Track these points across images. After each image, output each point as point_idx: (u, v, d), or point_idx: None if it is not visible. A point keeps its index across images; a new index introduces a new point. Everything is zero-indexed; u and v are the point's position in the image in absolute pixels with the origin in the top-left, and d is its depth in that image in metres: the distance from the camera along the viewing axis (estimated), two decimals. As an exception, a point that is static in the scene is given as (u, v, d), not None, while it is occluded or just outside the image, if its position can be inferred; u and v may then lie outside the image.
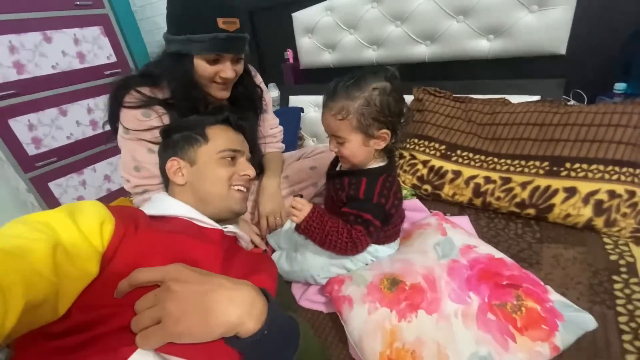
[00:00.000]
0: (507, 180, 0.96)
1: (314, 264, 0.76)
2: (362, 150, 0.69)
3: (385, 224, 0.72)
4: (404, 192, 1.08)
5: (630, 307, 0.66)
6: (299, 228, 0.72)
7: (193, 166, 0.70)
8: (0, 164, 1.81)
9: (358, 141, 0.67)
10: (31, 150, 1.84)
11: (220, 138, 0.73)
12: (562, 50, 1.14)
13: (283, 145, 1.15)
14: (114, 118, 0.85)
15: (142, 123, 0.82)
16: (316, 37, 1.62)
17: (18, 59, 1.74)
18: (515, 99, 1.11)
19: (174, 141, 0.74)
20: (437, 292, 0.63)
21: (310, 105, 1.64)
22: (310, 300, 0.77)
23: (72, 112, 1.98)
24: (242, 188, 0.72)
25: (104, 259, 0.45)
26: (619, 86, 1.08)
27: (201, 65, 0.79)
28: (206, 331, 0.38)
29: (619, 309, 0.66)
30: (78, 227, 0.43)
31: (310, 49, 1.67)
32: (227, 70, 0.80)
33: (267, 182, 0.99)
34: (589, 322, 0.60)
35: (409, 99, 1.26)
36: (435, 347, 0.56)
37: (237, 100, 0.94)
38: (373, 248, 0.76)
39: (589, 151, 0.88)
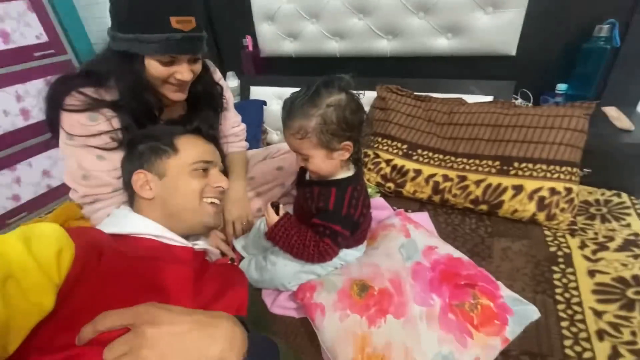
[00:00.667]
0: (463, 178, 1.02)
1: (285, 272, 0.77)
2: (327, 164, 0.69)
3: (354, 232, 0.74)
4: (369, 190, 1.11)
5: (567, 295, 0.75)
6: (266, 235, 0.74)
7: (162, 179, 0.66)
8: None
9: (321, 156, 0.67)
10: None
11: (191, 149, 0.69)
12: (513, 51, 1.21)
13: (246, 144, 1.11)
14: (53, 122, 0.76)
15: (88, 128, 0.74)
16: (277, 25, 1.56)
17: None
18: (470, 98, 1.17)
19: (140, 152, 0.68)
20: (403, 296, 0.67)
21: (273, 97, 1.60)
22: (282, 306, 0.78)
23: (-2, 100, 1.74)
24: (215, 201, 0.69)
25: (61, 292, 0.41)
26: (561, 87, 1.18)
27: (153, 67, 0.72)
28: None
29: (558, 297, 0.75)
30: (33, 256, 0.39)
31: (271, 37, 1.60)
32: (184, 71, 0.74)
33: (232, 186, 0.96)
34: (533, 313, 0.67)
35: (372, 95, 1.27)
36: (403, 350, 0.59)
37: (196, 100, 0.88)
38: (342, 252, 0.78)
39: (534, 152, 0.97)
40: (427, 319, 0.63)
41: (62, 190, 2.11)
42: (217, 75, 0.98)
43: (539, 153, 0.96)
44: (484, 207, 0.99)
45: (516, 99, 1.27)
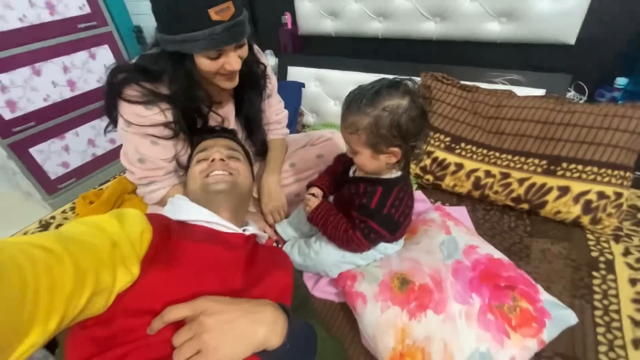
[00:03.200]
0: (506, 176, 1.00)
1: (327, 261, 0.81)
2: (373, 163, 0.70)
3: (394, 232, 0.76)
4: (407, 181, 1.11)
5: (605, 302, 0.76)
6: (308, 218, 0.82)
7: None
8: (-27, 128, 1.69)
9: (367, 154, 0.69)
10: (6, 115, 1.71)
11: (199, 144, 0.81)
12: (572, 40, 1.13)
13: (287, 131, 1.13)
14: (111, 109, 0.81)
15: (144, 119, 0.79)
16: (318, 2, 1.51)
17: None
18: (520, 91, 1.12)
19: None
20: (443, 293, 0.69)
21: (310, 79, 1.58)
22: (323, 290, 0.83)
23: (47, 71, 1.82)
24: (218, 172, 0.72)
25: (142, 264, 0.49)
26: (621, 81, 1.11)
27: (203, 63, 0.73)
28: (241, 352, 0.45)
29: (596, 303, 0.76)
30: (126, 233, 0.47)
31: (311, 14, 1.56)
32: (232, 61, 0.74)
33: (267, 180, 1.00)
34: (571, 318, 0.69)
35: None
36: (442, 344, 0.63)
37: (241, 81, 0.88)
38: (382, 245, 0.81)
39: (586, 153, 0.93)
40: (465, 317, 0.66)
41: (106, 159, 2.24)
42: (263, 58, 0.98)
43: (590, 154, 0.93)
44: (524, 205, 0.98)
45: (569, 91, 1.21)
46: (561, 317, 0.69)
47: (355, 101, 0.65)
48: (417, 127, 0.65)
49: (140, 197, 0.93)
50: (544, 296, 0.71)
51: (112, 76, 0.78)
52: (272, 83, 1.03)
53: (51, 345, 0.64)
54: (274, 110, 1.06)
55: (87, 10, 1.94)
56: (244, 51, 0.78)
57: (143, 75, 0.77)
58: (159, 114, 0.80)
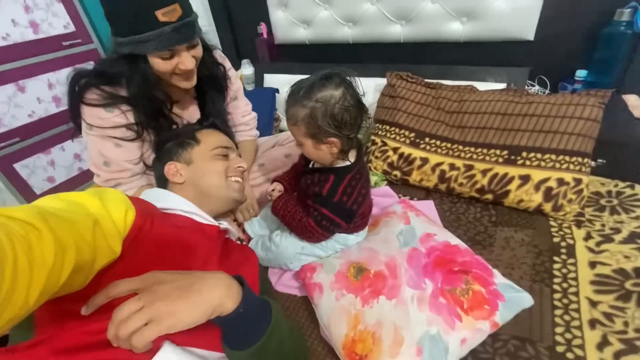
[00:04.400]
0: (469, 167, 1.02)
1: (286, 253, 0.82)
2: (316, 153, 0.73)
3: (349, 220, 0.77)
4: (375, 178, 1.13)
5: (565, 285, 0.76)
6: (272, 209, 0.85)
7: (190, 165, 0.76)
8: (-42, 145, 1.71)
9: (310, 144, 0.71)
10: (-10, 131, 1.74)
11: (210, 138, 0.81)
12: (530, 36, 1.17)
13: (257, 133, 1.15)
14: (75, 114, 0.83)
15: (105, 120, 0.81)
16: (290, 11, 1.56)
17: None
18: (482, 86, 1.15)
19: (168, 149, 0.79)
20: (397, 279, 0.70)
21: (285, 84, 1.62)
22: (285, 285, 0.83)
23: (31, 88, 1.85)
24: (238, 179, 0.80)
25: (124, 243, 0.49)
26: (580, 73, 1.14)
27: (157, 63, 0.76)
28: (197, 316, 0.43)
29: (555, 287, 0.76)
30: (107, 211, 0.47)
31: (285, 24, 1.61)
32: (185, 61, 0.77)
33: None
34: (526, 300, 0.69)
35: (384, 82, 1.27)
36: (392, 328, 0.63)
37: (201, 82, 0.91)
38: (342, 237, 0.82)
39: (544, 141, 0.95)
40: (417, 301, 0.66)
41: (92, 173, 2.26)
42: (227, 65, 1.01)
43: (548, 142, 0.94)
44: (489, 196, 0.99)
45: (533, 85, 1.24)
46: (516, 299, 0.69)
47: (293, 94, 0.68)
48: (351, 117, 0.67)
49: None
50: (499, 279, 0.71)
51: (73, 83, 0.81)
52: (237, 86, 1.05)
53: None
54: (241, 112, 1.08)
55: (71, 28, 2.00)
56: (198, 51, 0.81)
57: (102, 79, 0.80)
58: (119, 116, 0.82)
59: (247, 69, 1.69)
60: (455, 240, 0.79)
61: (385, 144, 1.15)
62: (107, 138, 0.83)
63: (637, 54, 1.04)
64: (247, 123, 1.10)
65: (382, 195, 1.06)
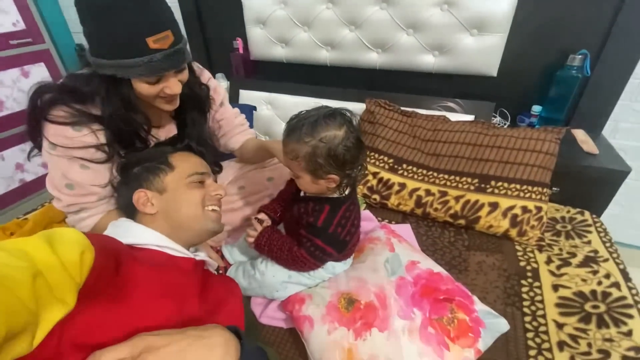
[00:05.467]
0: (444, 194, 1.08)
1: (272, 281, 0.80)
2: (313, 187, 0.72)
3: (341, 250, 0.78)
4: (356, 201, 1.15)
5: (533, 308, 0.82)
6: (251, 245, 0.81)
7: (162, 194, 0.69)
8: None
9: (308, 179, 0.71)
10: None
11: (185, 163, 0.74)
12: (494, 72, 1.28)
13: (254, 131, 1.11)
14: (34, 132, 0.75)
15: (71, 140, 0.73)
16: (268, 30, 1.56)
17: None
18: (453, 116, 1.23)
19: (136, 174, 0.71)
20: (387, 310, 0.71)
21: (262, 102, 1.60)
22: (271, 317, 0.81)
23: (-31, 89, 1.65)
24: (216, 208, 0.74)
25: (81, 292, 0.43)
26: (536, 108, 1.26)
27: (142, 87, 0.71)
28: None
29: (525, 309, 0.82)
30: (57, 257, 0.41)
31: (262, 41, 1.60)
32: (172, 86, 0.73)
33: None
34: (503, 325, 0.74)
35: (361, 107, 1.31)
36: (386, 362, 0.64)
37: (182, 102, 0.86)
38: (330, 265, 0.82)
39: (510, 171, 1.04)
40: (408, 332, 0.68)
41: (37, 184, 2.04)
42: (205, 75, 0.98)
43: (513, 173, 1.03)
44: (462, 221, 1.05)
45: (495, 117, 1.35)
46: (495, 325, 0.73)
47: (294, 130, 0.67)
48: (352, 156, 0.68)
49: (71, 227, 0.85)
50: (479, 306, 0.76)
51: (36, 97, 0.73)
52: (221, 94, 1.02)
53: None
54: (233, 114, 1.05)
55: (21, 26, 1.82)
56: (184, 75, 0.78)
57: (71, 95, 0.73)
58: (89, 135, 0.75)
59: (222, 83, 1.65)
60: (437, 268, 0.83)
61: (365, 168, 1.17)
62: (73, 159, 0.75)
63: (584, 95, 1.19)
64: (242, 123, 1.07)
65: (363, 219, 1.08)
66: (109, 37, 0.64)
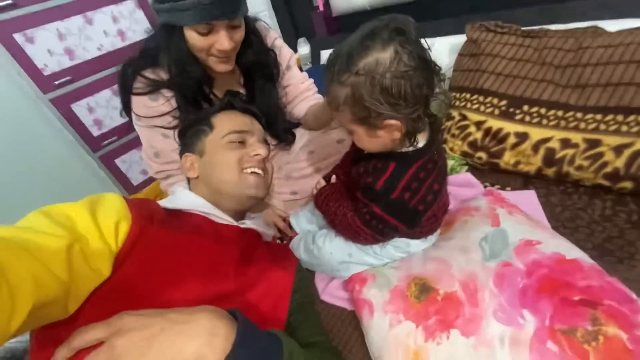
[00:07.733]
0: (594, 144, 0.72)
1: (330, 259, 0.68)
2: (374, 142, 0.54)
3: (411, 223, 0.59)
4: (452, 162, 0.90)
5: None
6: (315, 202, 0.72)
7: (202, 157, 0.67)
8: (73, 145, 2.02)
9: (362, 132, 0.53)
10: (95, 132, 2.01)
11: (225, 123, 0.68)
12: None
13: (320, 96, 1.02)
14: (127, 107, 0.83)
15: (150, 109, 0.79)
16: (348, -24, 1.37)
17: (67, 45, 1.83)
18: (613, 25, 0.80)
19: (187, 138, 0.71)
20: (478, 307, 0.50)
21: (344, 59, 1.45)
22: (332, 295, 0.70)
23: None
24: (256, 170, 0.65)
25: (117, 259, 0.45)
26: None
27: (192, 37, 0.69)
28: None
29: None
30: (97, 224, 0.43)
31: (343, -9, 1.42)
32: (222, 40, 0.69)
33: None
34: None
35: (460, 41, 1.00)
36: (470, 381, 0.45)
37: (249, 69, 0.85)
38: (403, 242, 0.64)
39: None
40: (510, 343, 0.46)
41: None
42: (271, 36, 0.91)
43: None
44: (627, 184, 0.68)
45: None
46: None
47: (328, 69, 0.50)
48: (413, 85, 0.46)
49: (164, 191, 0.94)
50: (653, 319, 0.45)
51: (123, 73, 0.80)
52: (287, 55, 0.94)
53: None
54: (299, 79, 0.97)
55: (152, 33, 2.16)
56: (239, 34, 0.74)
57: (145, 59, 0.77)
58: (164, 104, 0.79)
59: (304, 48, 1.57)
60: (573, 252, 0.54)
61: (464, 117, 0.89)
62: (155, 128, 0.81)
63: None
64: (309, 88, 0.98)
65: (459, 185, 0.83)
66: None
